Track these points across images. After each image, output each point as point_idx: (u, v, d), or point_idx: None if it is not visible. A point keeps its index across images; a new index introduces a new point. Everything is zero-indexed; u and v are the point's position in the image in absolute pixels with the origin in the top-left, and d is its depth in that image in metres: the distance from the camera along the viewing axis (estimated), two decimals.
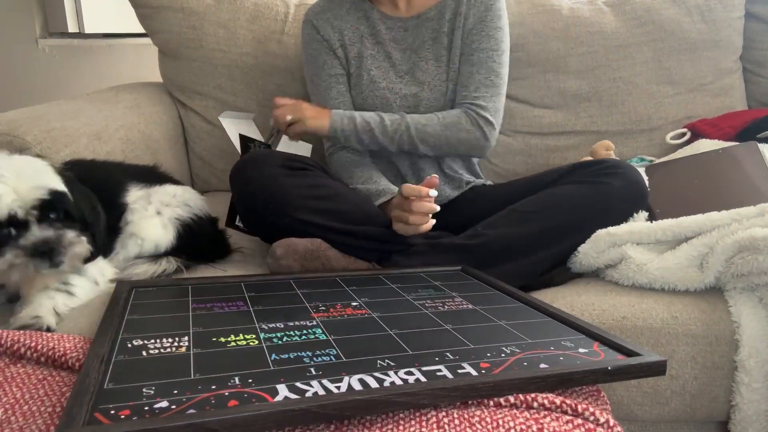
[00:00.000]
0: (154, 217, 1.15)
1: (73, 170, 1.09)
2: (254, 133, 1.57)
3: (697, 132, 1.63)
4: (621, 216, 1.19)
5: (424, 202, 1.11)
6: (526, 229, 1.17)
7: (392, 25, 1.43)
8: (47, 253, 0.87)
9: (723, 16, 1.76)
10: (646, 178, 1.28)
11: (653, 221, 1.15)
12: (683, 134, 1.67)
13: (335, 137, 1.35)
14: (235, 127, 1.50)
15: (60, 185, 0.92)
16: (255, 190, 1.15)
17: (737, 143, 1.36)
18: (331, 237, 1.15)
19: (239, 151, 1.41)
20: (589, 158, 1.62)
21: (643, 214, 1.21)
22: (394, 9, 1.43)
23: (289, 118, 1.33)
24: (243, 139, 1.40)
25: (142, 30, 1.79)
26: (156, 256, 1.14)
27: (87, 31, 2.26)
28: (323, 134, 1.35)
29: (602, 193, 1.17)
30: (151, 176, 1.26)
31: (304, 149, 1.65)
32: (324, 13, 1.45)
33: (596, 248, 1.15)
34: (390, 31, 1.43)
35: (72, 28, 2.23)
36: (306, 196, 1.15)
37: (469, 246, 1.18)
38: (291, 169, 1.17)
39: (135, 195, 1.17)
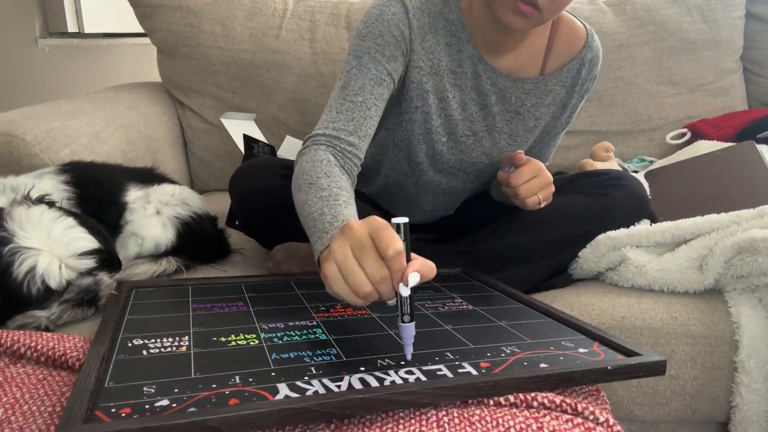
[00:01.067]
0: (153, 216, 1.15)
1: (73, 171, 1.10)
2: (256, 134, 1.57)
3: (697, 132, 1.64)
4: (622, 226, 1.18)
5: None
6: (529, 238, 1.16)
7: (482, 71, 1.15)
8: (90, 300, 0.92)
9: (723, 16, 1.76)
10: (646, 184, 1.28)
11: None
12: (683, 134, 1.68)
13: None
14: (237, 128, 1.50)
15: (90, 239, 0.94)
16: (253, 202, 1.14)
17: (736, 143, 1.36)
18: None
19: (242, 151, 1.41)
20: (589, 160, 1.62)
21: (645, 222, 1.21)
22: (493, 56, 1.15)
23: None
24: (246, 139, 1.40)
25: (141, 30, 1.79)
26: (156, 256, 1.14)
27: (87, 31, 2.27)
28: None
29: (605, 204, 1.17)
30: (149, 177, 1.26)
31: None
32: (423, 14, 1.11)
33: (596, 253, 1.15)
34: (475, 77, 1.15)
35: (72, 28, 2.24)
36: None
37: (469, 252, 1.18)
38: (291, 178, 1.16)
39: (134, 195, 1.17)
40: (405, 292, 0.68)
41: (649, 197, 1.22)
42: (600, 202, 1.17)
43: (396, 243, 0.67)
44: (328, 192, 0.90)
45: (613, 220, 1.17)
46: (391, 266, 0.67)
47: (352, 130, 1.04)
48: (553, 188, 1.12)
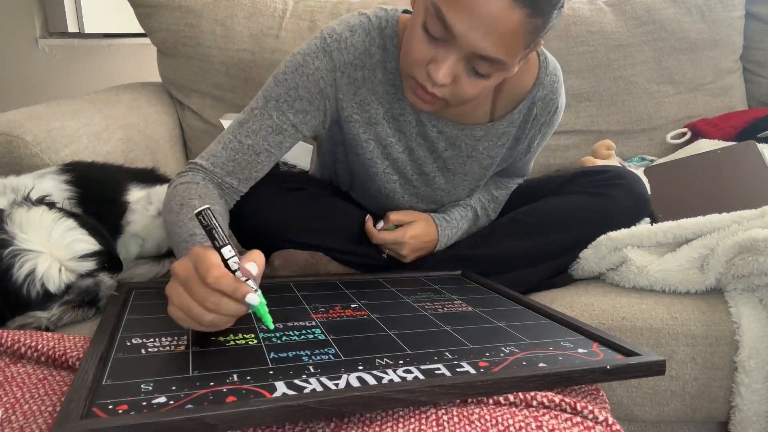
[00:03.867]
0: (155, 217, 1.15)
1: (74, 171, 1.10)
2: None
3: (697, 132, 1.64)
4: (623, 227, 1.17)
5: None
6: (529, 242, 1.15)
7: (425, 119, 1.10)
8: (91, 301, 0.92)
9: (723, 15, 1.76)
10: (645, 179, 1.28)
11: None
12: (683, 134, 1.68)
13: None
14: None
15: (90, 241, 0.94)
16: (247, 216, 1.09)
17: (736, 143, 1.36)
18: (330, 255, 1.13)
19: None
20: (590, 157, 1.62)
21: (645, 220, 1.21)
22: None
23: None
24: None
25: (141, 30, 1.79)
26: (158, 257, 1.14)
27: (87, 31, 2.27)
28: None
29: (606, 205, 1.15)
30: (151, 177, 1.26)
31: (303, 152, 1.64)
32: (355, 69, 1.05)
33: (597, 254, 1.14)
34: (419, 126, 1.10)
35: (72, 28, 2.24)
36: (302, 218, 1.11)
37: (468, 256, 1.17)
38: (286, 190, 1.12)
39: (136, 195, 1.17)
40: (254, 301, 0.69)
41: (650, 198, 1.22)
42: (600, 204, 1.16)
43: (213, 269, 0.67)
44: (184, 226, 0.88)
45: (614, 221, 1.16)
46: (220, 289, 0.67)
47: (231, 171, 1.03)
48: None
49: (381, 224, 1.16)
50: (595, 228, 1.16)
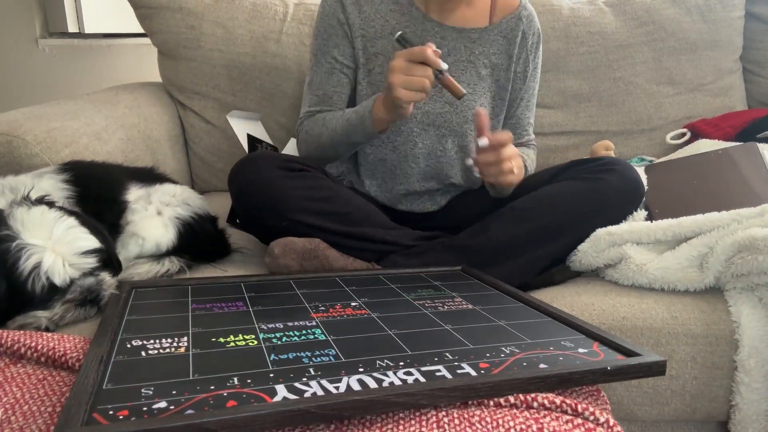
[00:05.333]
0: (154, 217, 1.15)
1: (73, 170, 1.10)
2: (261, 133, 1.57)
3: (697, 132, 1.64)
4: (617, 212, 1.20)
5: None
6: (524, 228, 1.17)
7: (429, 27, 1.29)
8: (93, 300, 0.92)
9: (723, 16, 1.76)
10: (644, 177, 1.28)
11: (652, 221, 1.15)
12: (683, 134, 1.68)
13: None
14: (242, 127, 1.50)
15: (91, 239, 0.94)
16: (252, 192, 1.14)
17: (737, 144, 1.36)
18: (330, 238, 1.15)
19: (247, 151, 1.41)
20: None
21: (642, 213, 1.21)
22: (442, 14, 1.30)
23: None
24: (251, 139, 1.40)
25: (142, 30, 1.79)
26: (158, 256, 1.14)
27: (87, 31, 2.27)
28: None
29: (598, 189, 1.17)
30: (150, 177, 1.26)
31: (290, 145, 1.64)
32: None
33: (596, 247, 1.15)
34: (425, 33, 1.29)
35: (72, 28, 2.24)
36: (304, 198, 1.14)
37: (468, 245, 1.18)
38: (289, 171, 1.16)
39: (135, 194, 1.17)
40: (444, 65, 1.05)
41: (643, 185, 1.23)
42: (593, 186, 1.18)
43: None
44: (342, 112, 1.24)
45: (606, 204, 1.18)
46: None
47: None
48: (520, 160, 1.18)
49: (483, 141, 1.13)
50: (589, 210, 1.17)
